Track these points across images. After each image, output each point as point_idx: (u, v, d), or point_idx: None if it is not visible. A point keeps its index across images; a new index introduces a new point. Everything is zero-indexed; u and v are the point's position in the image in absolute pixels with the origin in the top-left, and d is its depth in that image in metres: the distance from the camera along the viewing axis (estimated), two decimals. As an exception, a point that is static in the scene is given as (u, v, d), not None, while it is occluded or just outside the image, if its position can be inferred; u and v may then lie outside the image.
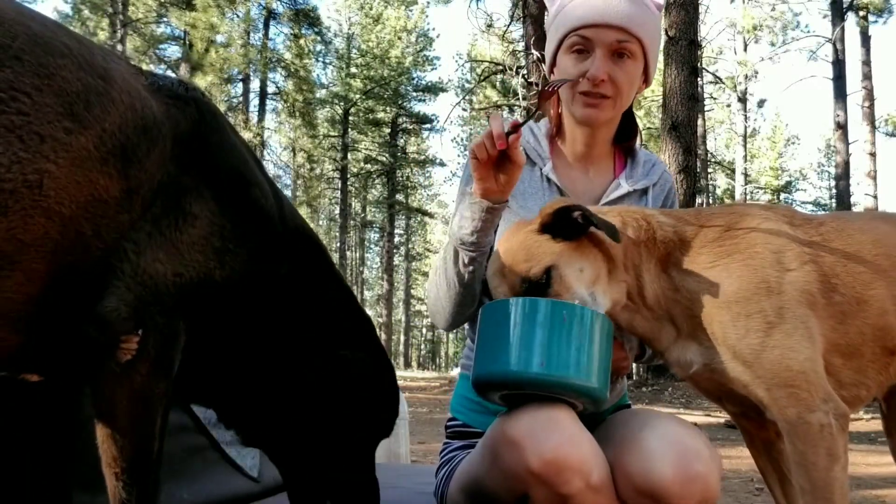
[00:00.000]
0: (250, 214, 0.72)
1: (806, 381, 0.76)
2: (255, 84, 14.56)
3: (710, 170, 15.80)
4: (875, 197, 10.84)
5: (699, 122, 9.39)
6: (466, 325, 1.07)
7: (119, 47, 10.89)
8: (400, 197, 19.19)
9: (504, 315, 0.77)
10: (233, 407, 0.80)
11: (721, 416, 4.59)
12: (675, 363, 0.85)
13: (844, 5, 11.51)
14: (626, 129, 1.08)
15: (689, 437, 0.81)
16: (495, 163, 0.86)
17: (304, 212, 14.77)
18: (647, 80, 1.05)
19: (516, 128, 0.83)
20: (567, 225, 0.81)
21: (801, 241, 0.83)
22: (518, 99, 8.17)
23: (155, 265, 0.63)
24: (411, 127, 18.18)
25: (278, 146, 15.96)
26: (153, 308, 0.62)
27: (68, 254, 0.58)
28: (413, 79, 17.58)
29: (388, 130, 17.88)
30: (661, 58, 6.95)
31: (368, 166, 18.16)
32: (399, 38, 17.05)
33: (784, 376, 0.76)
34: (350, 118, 17.11)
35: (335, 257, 21.00)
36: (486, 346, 0.79)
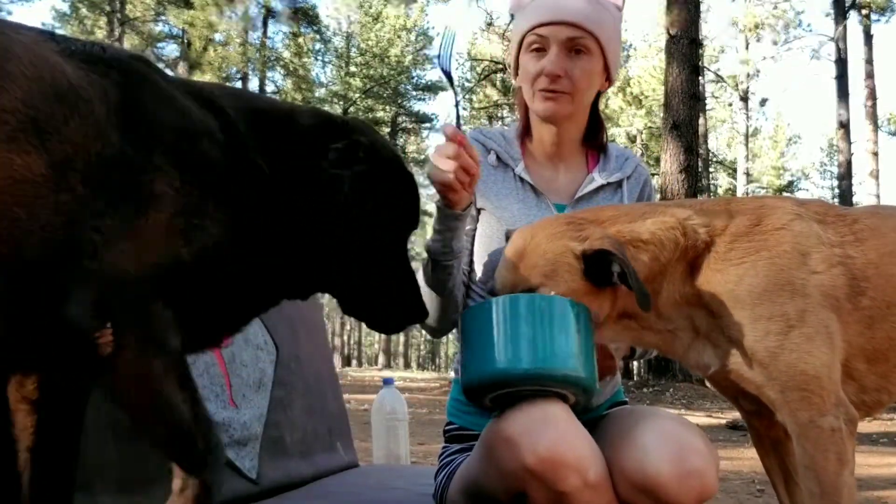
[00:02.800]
0: (207, 167, 0.67)
1: (819, 386, 0.75)
2: (253, 83, 14.55)
3: (711, 169, 15.78)
4: (878, 196, 10.82)
5: (701, 121, 9.36)
6: (456, 330, 1.07)
7: (117, 45, 10.87)
8: (400, 196, 19.10)
9: (485, 317, 0.77)
10: (285, 279, 0.77)
11: (722, 417, 4.58)
12: (693, 366, 0.84)
13: (847, 4, 11.49)
14: (594, 128, 1.10)
15: (685, 432, 0.81)
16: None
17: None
18: (609, 79, 1.06)
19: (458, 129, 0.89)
20: (599, 265, 0.78)
21: (831, 241, 0.81)
22: (513, 100, 8.14)
23: (120, 258, 0.60)
24: (411, 126, 18.18)
25: (278, 145, 15.88)
26: (120, 302, 0.60)
27: (7, 243, 0.55)
28: (412, 78, 17.57)
29: (387, 129, 17.88)
30: (662, 56, 6.96)
31: (369, 165, 18.11)
32: (398, 37, 17.03)
33: (798, 380, 0.75)
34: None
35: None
36: (472, 350, 0.79)
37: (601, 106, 1.13)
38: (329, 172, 0.74)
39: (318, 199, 0.74)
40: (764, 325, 0.76)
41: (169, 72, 0.80)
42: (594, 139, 1.10)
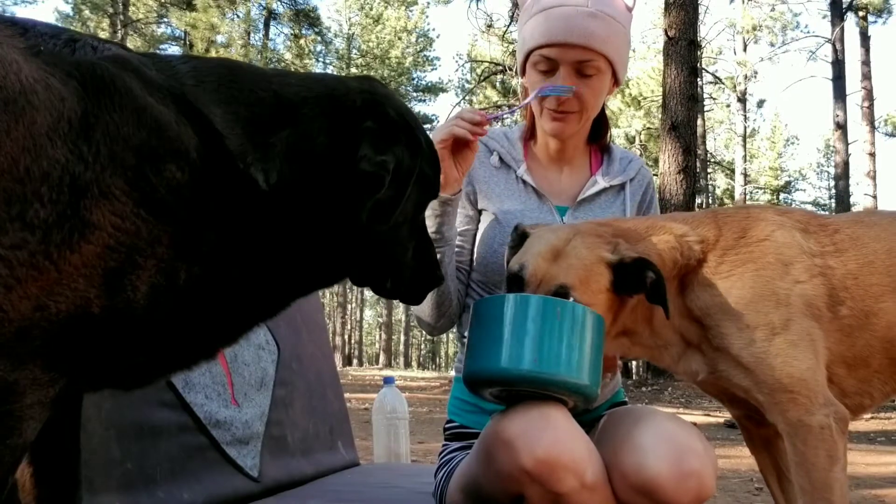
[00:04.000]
0: (172, 195, 0.56)
1: (806, 388, 0.78)
2: (254, 84, 14.48)
3: (709, 170, 15.80)
4: (874, 197, 10.84)
5: (699, 122, 9.39)
6: (455, 329, 1.08)
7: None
8: (400, 197, 19.04)
9: (496, 311, 0.78)
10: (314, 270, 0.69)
11: (720, 416, 4.59)
12: (682, 373, 0.87)
13: (844, 5, 11.52)
14: (599, 128, 1.11)
15: (683, 433, 0.82)
16: (453, 151, 0.94)
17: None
18: (617, 82, 1.07)
19: (494, 119, 0.94)
20: (630, 275, 0.80)
21: (812, 251, 0.84)
22: (518, 99, 8.17)
23: (19, 303, 0.49)
24: (411, 127, 18.13)
25: (278, 146, 15.86)
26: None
27: None
28: (413, 79, 17.58)
29: (387, 130, 17.79)
30: (660, 58, 6.98)
31: (368, 166, 18.07)
32: (399, 39, 17.05)
33: (785, 382, 0.78)
34: (350, 118, 17.02)
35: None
36: (478, 343, 0.79)
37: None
38: (370, 161, 0.64)
39: (350, 195, 0.65)
40: (749, 334, 0.79)
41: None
42: (599, 139, 1.11)
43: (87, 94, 0.55)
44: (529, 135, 1.11)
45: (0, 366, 0.51)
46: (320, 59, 16.25)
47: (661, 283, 0.78)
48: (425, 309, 1.01)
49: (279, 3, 13.85)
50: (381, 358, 19.33)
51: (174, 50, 12.96)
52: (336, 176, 0.65)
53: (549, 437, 0.76)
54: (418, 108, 17.88)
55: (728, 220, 0.87)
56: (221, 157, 0.61)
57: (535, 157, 1.10)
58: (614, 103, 14.34)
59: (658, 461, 0.78)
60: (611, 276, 0.81)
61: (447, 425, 1.09)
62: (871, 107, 11.19)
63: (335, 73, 17.06)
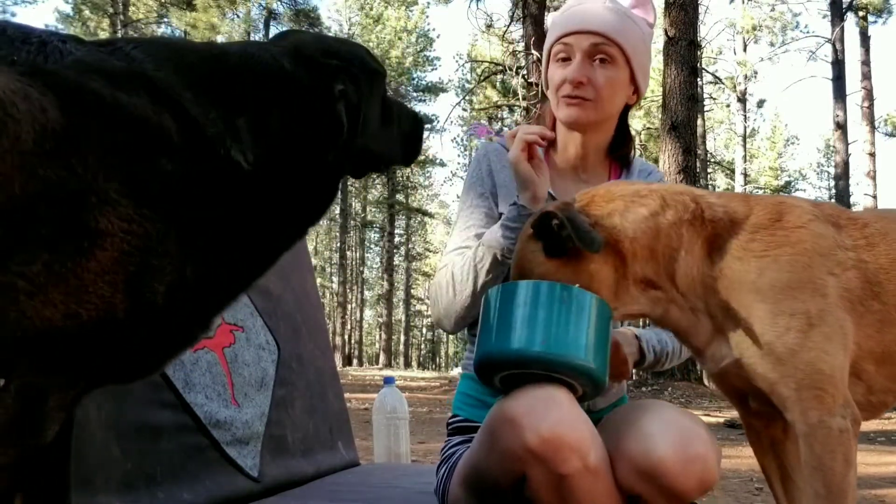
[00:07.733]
0: (167, 189, 0.57)
1: (833, 386, 0.76)
2: (254, 84, 14.48)
3: (709, 170, 15.80)
4: (874, 197, 10.84)
5: (699, 122, 9.39)
6: (466, 329, 1.08)
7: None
8: (400, 197, 19.19)
9: (506, 298, 0.80)
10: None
11: (721, 416, 4.59)
12: (709, 358, 0.84)
13: (844, 5, 11.52)
14: (620, 140, 1.12)
15: (687, 420, 0.83)
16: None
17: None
18: (637, 92, 1.08)
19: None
20: (554, 236, 0.80)
21: (845, 245, 0.82)
22: (518, 99, 8.18)
23: (45, 310, 0.51)
24: (411, 127, 18.13)
25: (278, 146, 15.86)
26: (23, 361, 0.52)
27: None
28: (413, 79, 17.59)
29: (387, 130, 17.80)
30: (660, 58, 6.99)
31: (368, 166, 18.10)
32: (399, 39, 17.06)
33: (815, 378, 0.76)
34: (350, 118, 17.02)
35: (335, 257, 20.98)
36: (489, 328, 0.81)
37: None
38: (328, 122, 0.69)
39: (315, 148, 0.69)
40: (786, 321, 0.76)
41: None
42: (619, 151, 1.11)
43: (68, 103, 0.54)
44: (549, 143, 1.11)
45: (30, 371, 0.53)
46: (320, 59, 16.19)
47: (564, 223, 0.77)
48: (459, 311, 0.98)
49: (279, 2, 13.85)
50: (381, 358, 19.33)
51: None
52: (298, 140, 0.69)
53: (554, 416, 0.76)
54: (418, 107, 17.89)
55: (760, 201, 0.85)
56: (201, 143, 0.62)
57: (555, 167, 1.10)
58: (614, 103, 14.28)
59: (664, 445, 0.78)
60: (538, 244, 0.81)
61: (451, 420, 1.09)
62: (871, 107, 11.19)
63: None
